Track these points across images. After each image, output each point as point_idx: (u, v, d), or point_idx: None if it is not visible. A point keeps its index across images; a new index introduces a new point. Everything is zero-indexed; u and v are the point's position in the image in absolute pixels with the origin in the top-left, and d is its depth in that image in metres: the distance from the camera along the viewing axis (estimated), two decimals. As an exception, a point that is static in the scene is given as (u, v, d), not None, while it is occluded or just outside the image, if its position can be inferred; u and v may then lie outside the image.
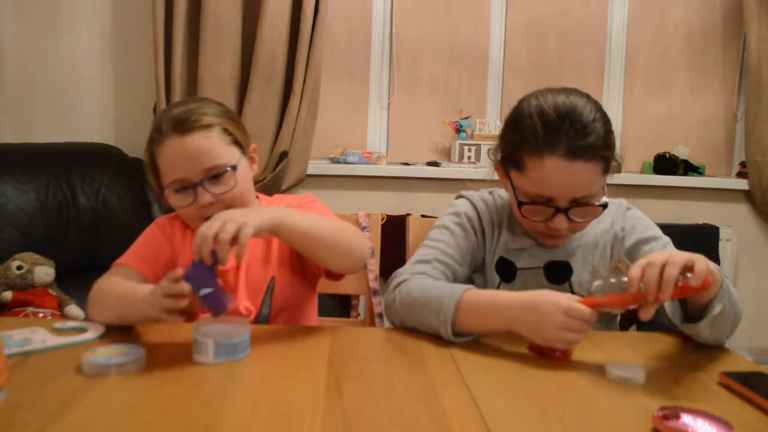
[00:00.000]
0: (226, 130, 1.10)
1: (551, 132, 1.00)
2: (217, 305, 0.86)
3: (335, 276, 1.13)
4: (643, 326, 1.05)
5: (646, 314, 0.84)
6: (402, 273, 1.10)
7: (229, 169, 1.08)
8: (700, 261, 0.84)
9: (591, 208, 1.05)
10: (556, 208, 1.03)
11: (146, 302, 0.89)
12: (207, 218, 1.06)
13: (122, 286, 1.01)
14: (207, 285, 0.85)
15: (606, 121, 1.04)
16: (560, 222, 1.04)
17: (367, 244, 1.08)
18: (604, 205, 1.06)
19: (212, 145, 1.07)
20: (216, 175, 1.07)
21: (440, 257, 1.13)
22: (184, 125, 1.06)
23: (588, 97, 1.05)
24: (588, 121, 1.01)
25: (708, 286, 0.84)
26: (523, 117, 1.05)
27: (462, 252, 1.15)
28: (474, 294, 0.98)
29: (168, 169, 1.08)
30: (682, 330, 0.98)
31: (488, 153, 1.18)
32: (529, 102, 1.07)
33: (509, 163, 1.09)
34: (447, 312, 0.96)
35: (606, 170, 1.05)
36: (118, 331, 0.98)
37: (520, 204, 1.06)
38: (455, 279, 1.14)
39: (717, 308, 0.90)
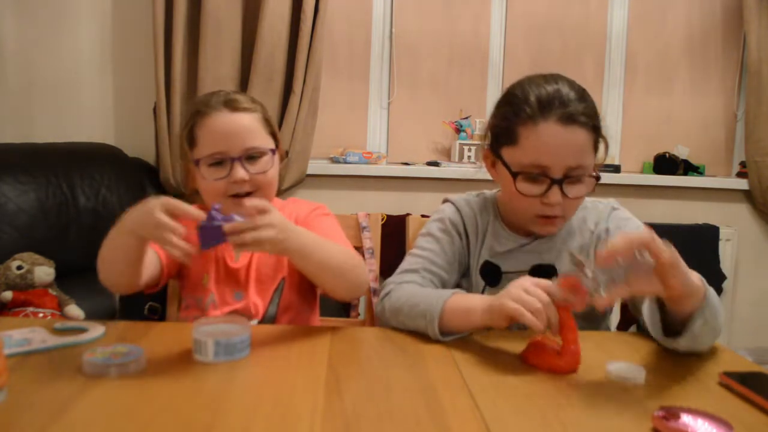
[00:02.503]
0: (267, 120, 1.17)
1: (545, 101, 1.03)
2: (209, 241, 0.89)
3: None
4: (643, 327, 1.05)
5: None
6: (390, 283, 1.14)
7: (268, 151, 1.13)
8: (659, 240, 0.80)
9: (585, 179, 1.06)
10: (551, 180, 1.04)
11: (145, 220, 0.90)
12: (231, 196, 1.10)
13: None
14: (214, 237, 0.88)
15: (592, 100, 1.08)
16: (555, 195, 1.04)
17: (368, 275, 1.12)
18: (597, 177, 1.07)
19: (256, 127, 1.14)
20: (254, 156, 1.12)
21: (427, 266, 1.14)
22: (234, 104, 1.13)
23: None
24: (578, 93, 1.05)
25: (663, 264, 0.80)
26: (515, 93, 1.08)
27: (449, 259, 1.16)
28: (457, 296, 1.01)
29: (210, 141, 1.11)
30: (661, 343, 0.96)
31: (482, 147, 1.18)
32: (520, 83, 1.10)
33: (502, 140, 1.09)
34: (434, 313, 0.98)
35: (596, 146, 1.07)
36: (118, 331, 0.98)
37: (515, 175, 1.06)
38: (443, 286, 1.15)
39: (698, 323, 0.88)
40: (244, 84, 2.41)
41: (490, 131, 1.14)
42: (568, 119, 1.02)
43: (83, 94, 2.56)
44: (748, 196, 2.80)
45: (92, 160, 2.31)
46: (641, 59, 2.87)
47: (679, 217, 2.73)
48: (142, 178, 2.43)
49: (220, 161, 1.10)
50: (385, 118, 2.81)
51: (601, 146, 1.10)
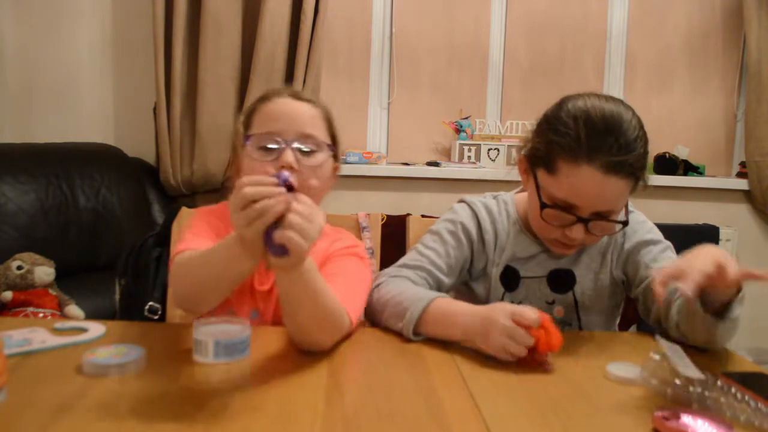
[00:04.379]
0: (329, 120, 1.10)
1: (594, 141, 0.96)
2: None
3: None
4: (642, 327, 1.05)
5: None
6: (384, 275, 1.12)
7: (325, 147, 1.06)
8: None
9: (611, 224, 1.03)
10: (578, 217, 1.01)
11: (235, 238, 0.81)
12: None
13: (203, 249, 0.93)
14: None
15: (646, 142, 1.01)
16: (578, 232, 1.02)
17: (336, 339, 0.94)
18: (625, 223, 1.04)
19: (316, 120, 1.07)
20: (308, 149, 1.04)
21: (426, 266, 1.12)
22: (299, 95, 1.09)
23: (633, 111, 1.01)
24: (632, 138, 0.97)
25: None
26: (567, 118, 1.00)
27: (450, 262, 1.14)
28: (440, 302, 0.99)
29: (266, 120, 1.05)
30: (698, 321, 0.95)
31: (519, 149, 1.13)
32: (574, 103, 1.01)
33: (540, 162, 1.04)
34: (412, 316, 0.97)
35: (634, 190, 1.03)
36: (118, 331, 0.98)
37: (543, 206, 1.03)
38: (438, 288, 1.13)
39: (737, 311, 0.91)
40: (244, 84, 2.41)
41: (530, 144, 1.08)
42: (613, 168, 0.96)
43: (83, 94, 2.56)
44: (748, 196, 2.80)
45: (92, 160, 2.31)
46: (641, 59, 2.87)
47: (679, 217, 2.73)
48: (142, 178, 2.43)
49: (271, 147, 1.02)
50: (385, 118, 2.81)
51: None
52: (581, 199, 1.00)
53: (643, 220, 1.17)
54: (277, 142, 1.02)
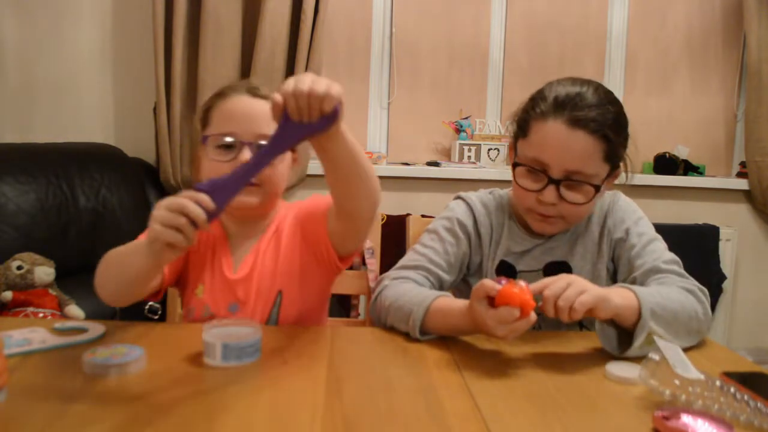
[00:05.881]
0: None
1: (561, 101, 1.05)
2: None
3: (344, 251, 1.06)
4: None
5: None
6: (385, 278, 1.13)
7: None
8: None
9: (583, 187, 1.06)
10: (549, 178, 1.05)
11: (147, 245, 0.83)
12: None
13: (126, 246, 0.96)
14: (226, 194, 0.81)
15: (620, 113, 1.08)
16: (549, 194, 1.05)
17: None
18: (597, 187, 1.06)
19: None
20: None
21: (426, 265, 1.13)
22: (256, 91, 1.08)
23: (611, 92, 1.09)
24: (601, 101, 1.05)
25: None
26: (542, 89, 1.10)
27: (449, 259, 1.15)
28: (439, 303, 0.99)
29: (223, 121, 1.07)
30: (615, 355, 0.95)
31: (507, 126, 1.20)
32: (551, 81, 1.12)
33: (518, 132, 1.12)
34: (416, 322, 0.98)
35: (608, 157, 1.06)
36: (119, 331, 0.98)
37: (515, 165, 1.09)
38: (440, 286, 1.14)
39: (638, 341, 0.91)
40: (244, 84, 2.41)
41: (514, 122, 1.15)
42: (576, 123, 1.03)
43: (83, 94, 2.56)
44: (748, 196, 2.80)
45: (92, 160, 2.31)
46: (641, 59, 2.87)
47: (679, 217, 2.73)
48: (142, 178, 2.43)
49: (229, 145, 1.04)
50: (385, 118, 2.81)
51: (622, 157, 1.11)
52: (549, 154, 1.05)
53: (633, 209, 1.19)
54: (230, 147, 1.04)
